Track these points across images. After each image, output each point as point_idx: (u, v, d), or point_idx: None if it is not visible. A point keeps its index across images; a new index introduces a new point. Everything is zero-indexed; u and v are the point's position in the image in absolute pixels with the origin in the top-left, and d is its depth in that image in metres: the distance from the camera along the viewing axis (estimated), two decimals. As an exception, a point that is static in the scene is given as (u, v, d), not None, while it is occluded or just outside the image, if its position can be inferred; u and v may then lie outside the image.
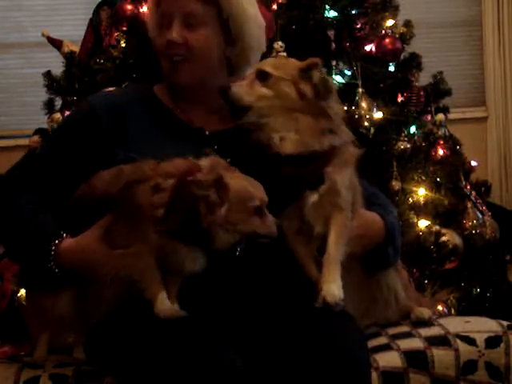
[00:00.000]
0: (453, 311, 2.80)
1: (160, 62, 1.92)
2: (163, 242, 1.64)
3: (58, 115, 2.86)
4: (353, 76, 2.81)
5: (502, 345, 1.84)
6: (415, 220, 2.81)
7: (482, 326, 1.92)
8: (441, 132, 3.12)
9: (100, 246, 1.69)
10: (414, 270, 2.76)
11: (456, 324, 1.94)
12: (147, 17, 2.04)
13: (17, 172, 1.88)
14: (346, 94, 2.70)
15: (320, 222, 1.78)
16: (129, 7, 2.82)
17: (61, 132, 1.97)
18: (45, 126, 2.98)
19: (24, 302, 2.68)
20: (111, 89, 2.67)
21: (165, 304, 1.65)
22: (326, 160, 1.78)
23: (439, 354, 1.80)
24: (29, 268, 1.88)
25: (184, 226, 1.62)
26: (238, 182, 1.66)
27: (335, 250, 1.74)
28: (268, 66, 1.83)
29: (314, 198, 1.77)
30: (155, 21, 1.91)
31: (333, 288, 1.69)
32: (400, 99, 2.96)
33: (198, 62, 1.87)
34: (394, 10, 3.03)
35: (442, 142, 3.08)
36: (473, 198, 3.05)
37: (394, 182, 2.80)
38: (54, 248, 1.72)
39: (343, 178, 1.79)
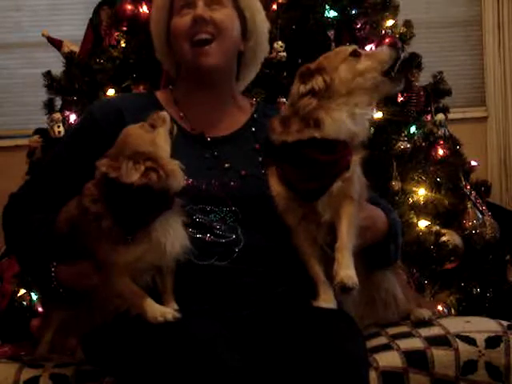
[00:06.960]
0: (453, 311, 2.80)
1: (178, 50, 1.91)
2: (126, 255, 1.63)
3: (58, 115, 2.86)
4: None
5: (502, 345, 1.84)
6: (415, 220, 2.81)
7: (482, 326, 1.92)
8: (441, 132, 3.12)
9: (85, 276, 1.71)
10: (414, 270, 2.76)
11: (456, 324, 1.94)
12: (154, 7, 2.01)
13: (26, 189, 1.91)
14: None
15: (329, 210, 1.75)
16: (129, 7, 2.83)
17: (65, 145, 1.97)
18: (45, 126, 2.97)
19: (25, 302, 2.69)
20: (112, 94, 2.68)
21: (154, 308, 1.63)
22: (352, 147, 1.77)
23: (439, 354, 1.80)
24: (39, 286, 1.97)
25: (139, 208, 1.61)
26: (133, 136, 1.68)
27: (347, 237, 1.72)
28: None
29: (336, 185, 1.74)
30: (167, 7, 1.91)
31: (349, 272, 1.67)
32: (400, 99, 2.96)
33: (224, 41, 1.88)
34: (394, 10, 3.03)
35: (441, 142, 3.08)
36: (473, 198, 3.05)
37: (394, 182, 2.80)
38: (53, 269, 1.75)
39: (357, 166, 1.78)
